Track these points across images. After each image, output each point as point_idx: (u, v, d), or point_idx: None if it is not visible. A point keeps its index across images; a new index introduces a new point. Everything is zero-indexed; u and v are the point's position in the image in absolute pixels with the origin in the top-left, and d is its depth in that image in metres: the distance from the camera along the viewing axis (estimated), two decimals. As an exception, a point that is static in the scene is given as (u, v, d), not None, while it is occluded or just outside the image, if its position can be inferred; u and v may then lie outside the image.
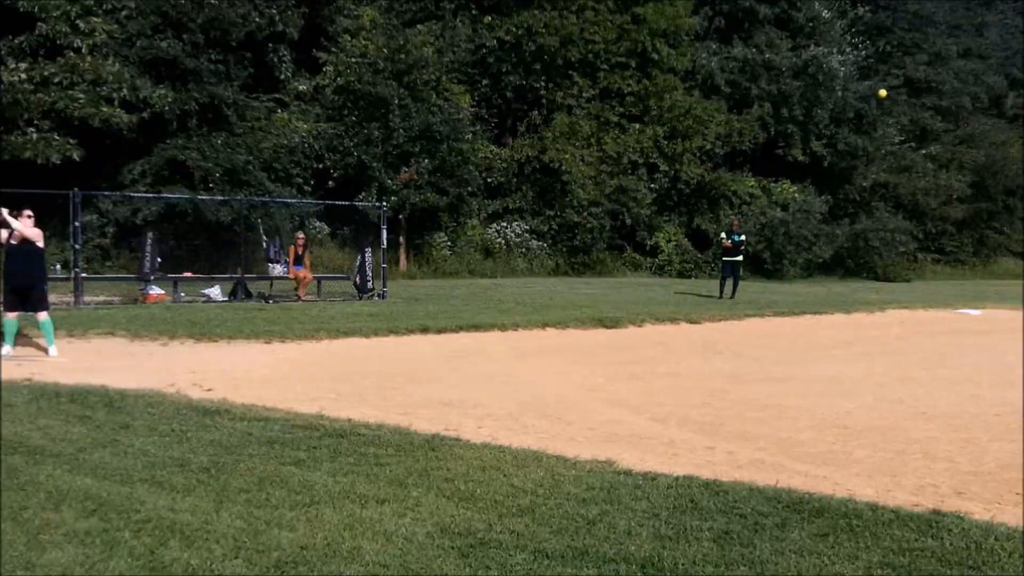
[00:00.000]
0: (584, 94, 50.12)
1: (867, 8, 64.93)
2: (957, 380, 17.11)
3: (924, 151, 61.77)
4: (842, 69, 55.68)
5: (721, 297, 33.83)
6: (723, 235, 36.17)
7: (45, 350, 17.68)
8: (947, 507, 8.33)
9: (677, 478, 9.00)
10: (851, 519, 7.77)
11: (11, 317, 17.60)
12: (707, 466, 9.81)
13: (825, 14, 59.36)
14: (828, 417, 12.94)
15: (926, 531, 7.53)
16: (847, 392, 15.23)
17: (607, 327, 24.01)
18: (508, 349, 20.18)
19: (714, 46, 55.99)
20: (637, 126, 50.70)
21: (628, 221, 49.93)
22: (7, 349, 17.33)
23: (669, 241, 51.70)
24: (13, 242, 17.59)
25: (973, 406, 14.17)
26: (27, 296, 17.60)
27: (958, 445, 11.32)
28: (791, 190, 54.17)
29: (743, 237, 36.53)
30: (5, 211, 17.81)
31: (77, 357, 17.30)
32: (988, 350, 22.40)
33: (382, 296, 30.69)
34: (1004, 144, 64.98)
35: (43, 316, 17.64)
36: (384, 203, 35.65)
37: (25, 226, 17.63)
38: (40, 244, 17.84)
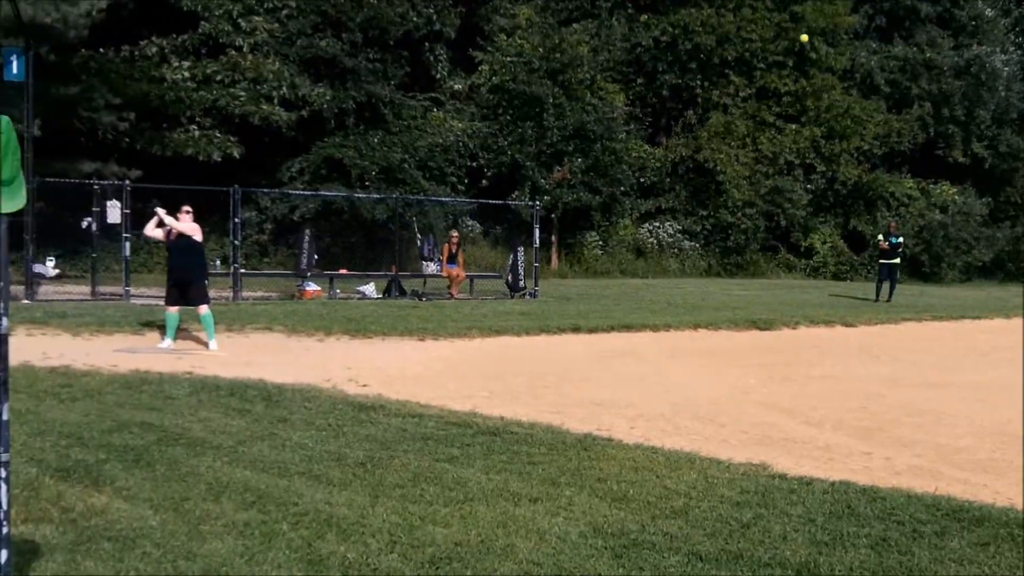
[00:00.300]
0: (740, 93, 49.67)
1: (1032, 6, 63.40)
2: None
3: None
4: (1005, 69, 54.45)
5: (877, 300, 33.31)
6: (880, 237, 35.66)
7: (205, 344, 18.03)
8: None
9: (833, 483, 8.87)
10: (1013, 529, 7.59)
11: (172, 311, 17.97)
12: (863, 472, 9.66)
13: (988, 12, 58.04)
14: (988, 424, 12.66)
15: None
16: (1007, 399, 14.84)
17: (760, 329, 23.79)
18: (660, 350, 20.09)
19: (874, 45, 55.06)
20: (794, 126, 50.08)
21: (783, 222, 49.39)
22: (168, 342, 17.71)
23: (824, 243, 51.03)
24: (172, 238, 17.96)
25: None
26: (187, 290, 17.95)
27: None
28: (950, 192, 53.04)
29: (901, 239, 35.98)
30: (161, 211, 18.22)
31: (236, 351, 17.61)
32: None
33: (533, 295, 30.78)
34: None
35: (204, 310, 17.97)
36: (537, 202, 35.76)
37: (183, 222, 18.00)
38: (198, 239, 18.18)
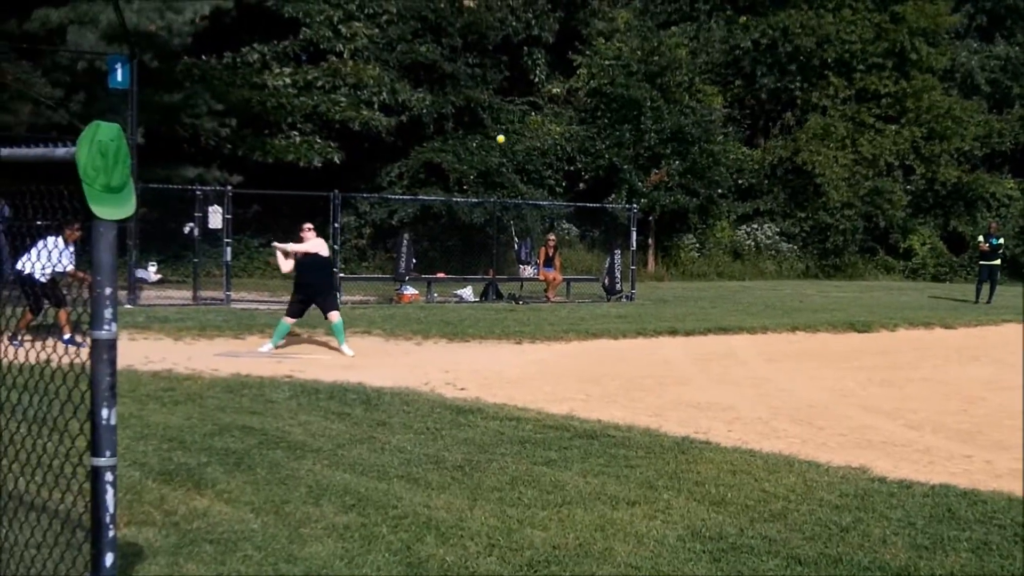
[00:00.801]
0: (839, 95, 49.22)
1: None
2: None
3: None
4: (1107, 67, 53.57)
5: (977, 302, 32.87)
6: (980, 238, 35.20)
7: (329, 347, 18.26)
8: None
9: (933, 486, 8.84)
10: None
11: (288, 322, 18.18)
12: (964, 475, 9.60)
13: (1092, 9, 57.17)
14: None
15: None
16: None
17: (859, 331, 23.56)
18: (757, 352, 19.99)
19: (975, 44, 54.37)
20: (893, 127, 49.54)
21: (882, 223, 48.89)
22: (269, 346, 17.90)
23: (924, 244, 50.46)
24: (300, 257, 18.16)
25: None
26: (317, 303, 18.11)
27: None
28: (1052, 192, 52.29)
29: (1001, 240, 35.48)
30: (279, 245, 18.48)
31: (335, 355, 17.80)
32: None
33: (630, 298, 30.75)
34: None
35: (335, 317, 18.11)
36: (634, 205, 35.73)
37: (307, 240, 18.22)
38: (325, 254, 18.36)
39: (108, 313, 3.90)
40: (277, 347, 18.04)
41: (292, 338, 18.84)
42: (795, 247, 48.74)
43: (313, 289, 18.08)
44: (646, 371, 16.90)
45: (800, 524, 7.64)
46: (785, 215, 48.91)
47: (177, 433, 10.33)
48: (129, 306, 23.29)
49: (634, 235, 32.59)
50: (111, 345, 3.93)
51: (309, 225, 18.56)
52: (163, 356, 16.13)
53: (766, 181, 48.97)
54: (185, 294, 27.26)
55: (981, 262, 34.43)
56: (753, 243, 47.71)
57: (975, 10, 55.24)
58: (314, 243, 18.18)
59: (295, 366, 15.96)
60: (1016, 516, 7.93)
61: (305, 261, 18.12)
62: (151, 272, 30.36)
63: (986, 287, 33.36)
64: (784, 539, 7.26)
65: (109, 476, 3.96)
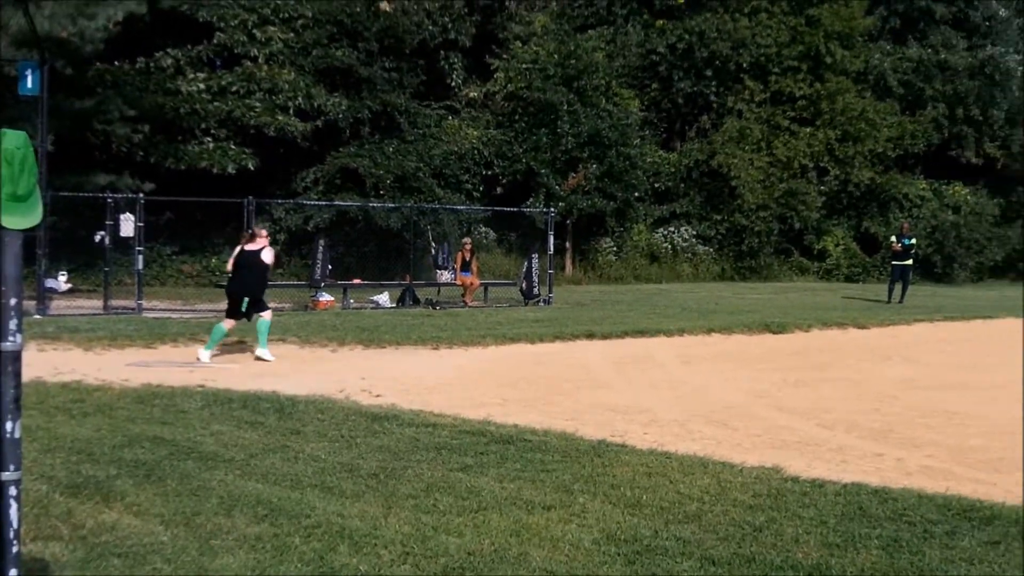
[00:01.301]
0: (755, 98, 49.55)
1: (1046, 6, 63.21)
2: None
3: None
4: (1020, 69, 54.26)
5: (890, 302, 33.29)
6: (893, 239, 35.64)
7: (257, 354, 18.15)
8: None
9: (845, 485, 8.94)
10: None
11: (227, 326, 18.02)
12: (876, 473, 9.73)
13: (1002, 13, 57.76)
14: (1000, 423, 12.72)
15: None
16: (1020, 398, 14.88)
17: (773, 332, 23.78)
18: (674, 355, 20.08)
19: (888, 47, 54.94)
20: (808, 129, 49.95)
21: (796, 225, 49.29)
22: (205, 354, 17.67)
23: (837, 245, 50.89)
24: (238, 255, 18.09)
25: None
26: (242, 303, 17.97)
27: None
28: (963, 193, 52.91)
29: (913, 241, 35.98)
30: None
31: (248, 363, 17.66)
32: None
33: (548, 302, 30.80)
34: None
35: (268, 316, 18.16)
36: (552, 209, 35.80)
37: (259, 239, 18.22)
38: (268, 260, 18.28)
39: (13, 324, 3.85)
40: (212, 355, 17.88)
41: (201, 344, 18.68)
42: (711, 249, 49.00)
43: (246, 288, 17.94)
44: (563, 375, 16.91)
45: (714, 525, 7.68)
46: (701, 218, 49.17)
47: (86, 445, 10.16)
48: (38, 316, 22.97)
49: (551, 239, 32.62)
50: (16, 357, 3.88)
51: (265, 232, 18.55)
52: (73, 367, 15.89)
53: (682, 184, 49.19)
54: (96, 303, 26.87)
55: (893, 262, 34.85)
56: (670, 246, 47.89)
57: (888, 13, 55.78)
58: (261, 245, 18.07)
59: (207, 375, 15.81)
60: (926, 512, 8.04)
61: (242, 261, 17.99)
62: (61, 282, 29.94)
63: (898, 287, 33.82)
64: (698, 540, 7.29)
65: (13, 491, 3.91)
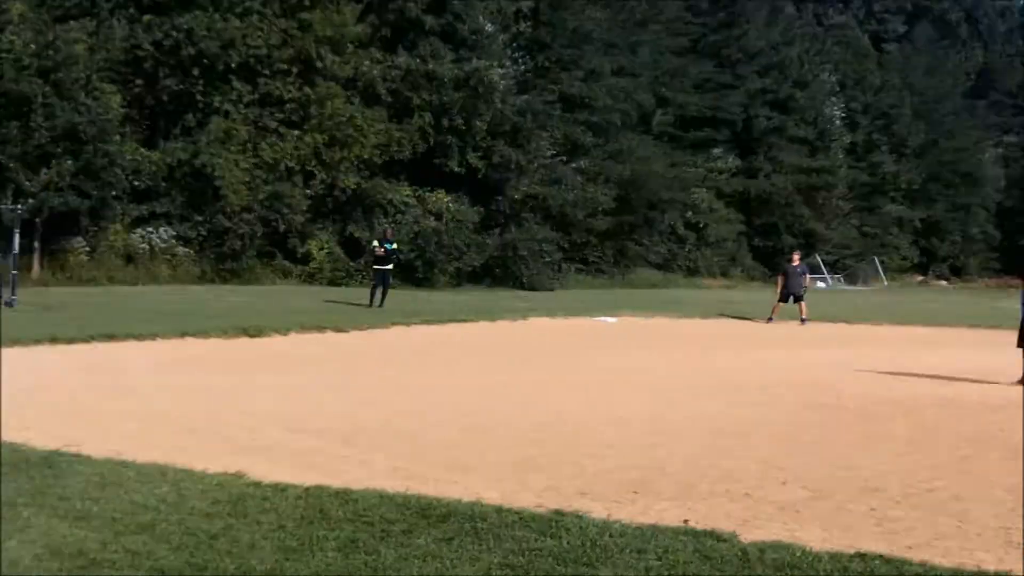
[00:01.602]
0: (243, 99, 49.23)
1: (528, 24, 65.85)
2: (588, 385, 17.86)
3: (574, 165, 63.21)
4: (502, 82, 56.51)
5: (371, 305, 33.84)
6: (375, 243, 36.26)
7: None
8: (569, 507, 8.61)
9: (308, 488, 8.92)
10: (476, 522, 7.94)
11: None
12: (340, 475, 9.75)
13: (488, 28, 59.96)
14: (454, 419, 13.38)
15: (546, 531, 7.78)
16: (484, 397, 15.54)
17: (251, 336, 23.75)
18: (147, 361, 19.51)
19: (378, 54, 55.83)
20: (296, 132, 50.14)
21: (281, 228, 49.33)
22: None
23: (322, 249, 51.30)
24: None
25: (607, 409, 14.82)
26: None
27: (590, 447, 11.79)
28: (445, 200, 54.64)
29: (395, 245, 36.74)
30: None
31: None
32: (617, 354, 23.51)
33: (11, 304, 29.32)
34: (648, 159, 67.17)
35: None
36: (19, 205, 34.25)
37: None
38: None
39: None
40: None
41: None
42: (192, 251, 48.27)
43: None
44: (20, 382, 15.99)
45: (168, 534, 7.46)
46: (183, 218, 48.26)
47: None
48: None
49: (17, 237, 31.13)
50: None
51: None
52: None
53: (164, 183, 48.15)
54: None
55: (375, 267, 35.46)
56: (148, 247, 46.80)
57: (380, 22, 56.73)
58: None
59: None
60: (385, 512, 8.16)
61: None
62: None
63: (379, 291, 34.39)
64: (149, 551, 7.06)
65: None
